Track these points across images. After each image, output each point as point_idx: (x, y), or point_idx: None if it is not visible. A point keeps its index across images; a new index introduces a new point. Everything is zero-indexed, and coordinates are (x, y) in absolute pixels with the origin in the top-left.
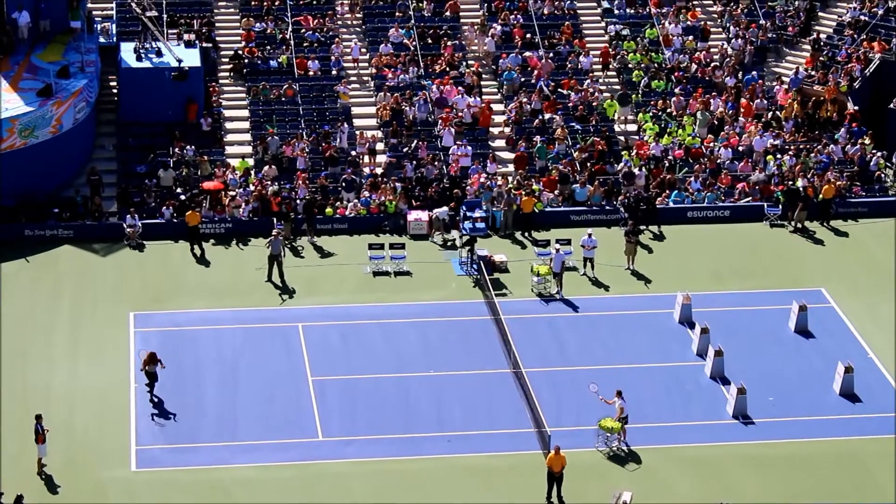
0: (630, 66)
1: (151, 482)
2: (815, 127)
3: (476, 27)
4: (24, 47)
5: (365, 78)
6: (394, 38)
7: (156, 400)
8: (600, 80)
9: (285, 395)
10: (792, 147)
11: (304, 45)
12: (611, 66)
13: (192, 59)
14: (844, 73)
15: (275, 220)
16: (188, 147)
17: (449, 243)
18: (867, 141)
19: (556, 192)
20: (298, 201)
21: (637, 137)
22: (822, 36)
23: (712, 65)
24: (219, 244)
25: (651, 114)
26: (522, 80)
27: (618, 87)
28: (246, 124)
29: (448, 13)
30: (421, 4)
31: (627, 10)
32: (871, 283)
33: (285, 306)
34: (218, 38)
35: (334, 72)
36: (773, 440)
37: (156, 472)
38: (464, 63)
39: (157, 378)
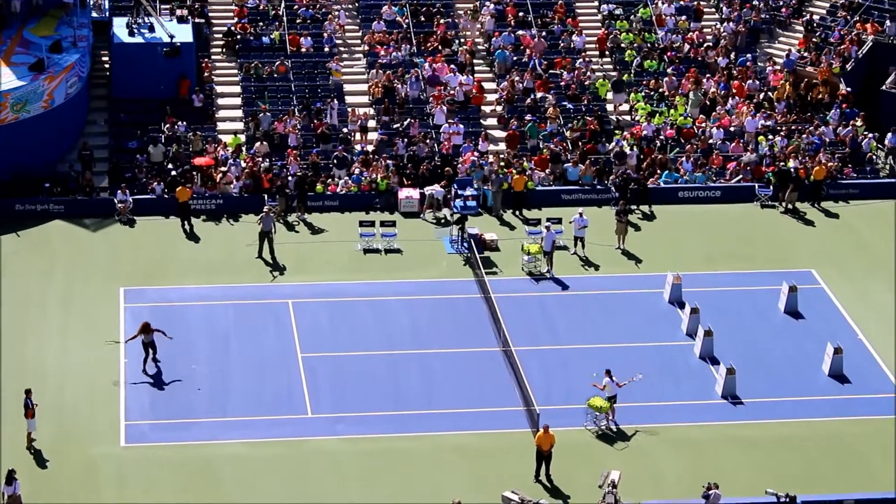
0: (623, 45)
1: (141, 457)
2: (807, 108)
3: (468, 13)
4: (17, 22)
5: (357, 55)
6: (387, 15)
7: (150, 372)
8: (593, 62)
9: (275, 371)
10: (784, 128)
11: (297, 21)
12: (606, 53)
13: (184, 34)
14: (837, 55)
15: (266, 196)
16: (180, 123)
17: (442, 221)
18: (859, 123)
19: (548, 171)
20: (290, 178)
21: (629, 118)
22: (816, 17)
23: (705, 45)
24: (209, 220)
25: (643, 94)
26: (515, 58)
27: (612, 71)
28: (238, 100)
29: None
30: None
31: None
32: (861, 264)
33: (276, 283)
34: (210, 14)
35: (327, 49)
36: (762, 420)
37: (145, 447)
38: (456, 41)
39: (156, 348)
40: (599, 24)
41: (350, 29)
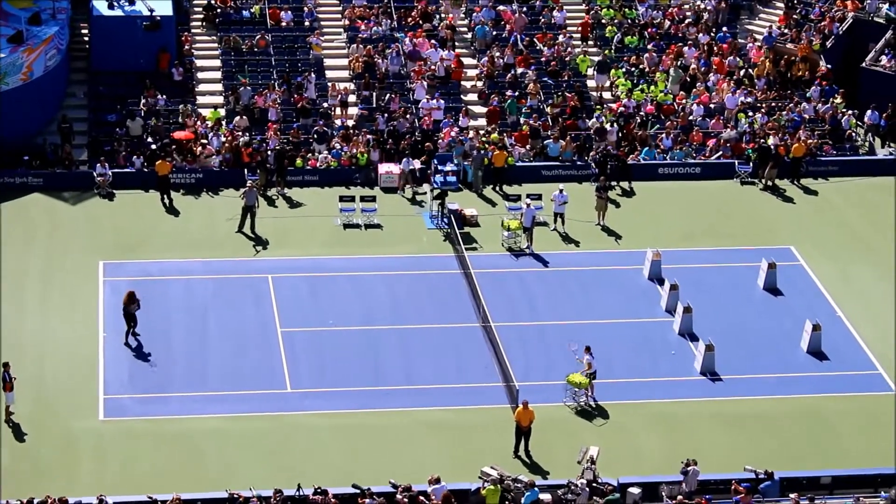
0: (604, 21)
1: (120, 431)
2: (787, 85)
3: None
4: None
5: (338, 29)
6: None
7: (132, 344)
8: (573, 40)
9: (254, 346)
10: (764, 105)
11: None
12: (589, 39)
13: (164, 8)
14: (817, 32)
15: (246, 171)
16: (160, 97)
17: (420, 197)
18: (839, 100)
19: (528, 146)
20: (270, 152)
21: (609, 94)
22: None
23: (686, 21)
24: (189, 194)
25: (624, 70)
26: (495, 34)
27: (594, 48)
28: (218, 74)
29: None
30: None
31: None
32: (840, 241)
33: (255, 258)
34: None
35: (307, 23)
36: (741, 397)
37: (124, 421)
38: (437, 16)
39: (136, 321)
40: (587, 17)
41: (330, 3)
